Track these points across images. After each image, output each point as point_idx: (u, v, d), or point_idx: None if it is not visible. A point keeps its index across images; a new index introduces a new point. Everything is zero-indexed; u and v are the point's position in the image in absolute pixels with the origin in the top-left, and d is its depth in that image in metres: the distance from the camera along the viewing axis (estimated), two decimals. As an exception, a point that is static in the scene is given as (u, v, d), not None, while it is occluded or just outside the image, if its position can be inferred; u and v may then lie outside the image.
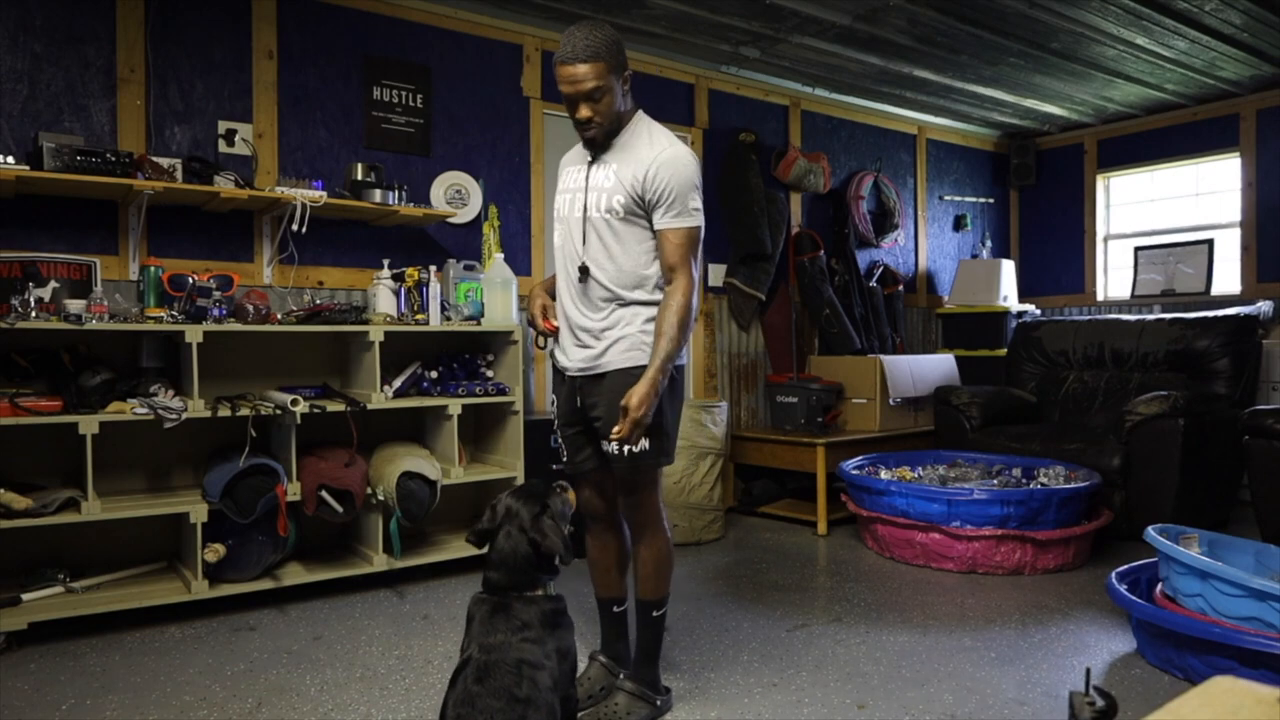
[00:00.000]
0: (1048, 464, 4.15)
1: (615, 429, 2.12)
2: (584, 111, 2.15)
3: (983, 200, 6.63)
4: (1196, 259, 5.75)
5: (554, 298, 2.42)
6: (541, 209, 4.45)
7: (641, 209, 2.19)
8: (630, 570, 2.43)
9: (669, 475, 4.19)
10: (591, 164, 2.27)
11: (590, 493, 2.41)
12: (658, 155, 2.16)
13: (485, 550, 2.01)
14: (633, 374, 2.17)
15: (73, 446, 2.97)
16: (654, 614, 2.35)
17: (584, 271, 2.24)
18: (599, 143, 2.23)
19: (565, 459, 2.41)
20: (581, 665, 2.43)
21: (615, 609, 2.48)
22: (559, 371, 2.39)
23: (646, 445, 2.20)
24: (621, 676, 2.40)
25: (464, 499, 4.10)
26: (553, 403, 2.43)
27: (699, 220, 2.20)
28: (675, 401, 2.31)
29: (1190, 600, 2.59)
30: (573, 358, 2.30)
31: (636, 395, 2.09)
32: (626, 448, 2.19)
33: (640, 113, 2.29)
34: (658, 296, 2.23)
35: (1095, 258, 6.35)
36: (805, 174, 5.30)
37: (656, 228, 2.19)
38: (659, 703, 2.35)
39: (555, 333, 2.36)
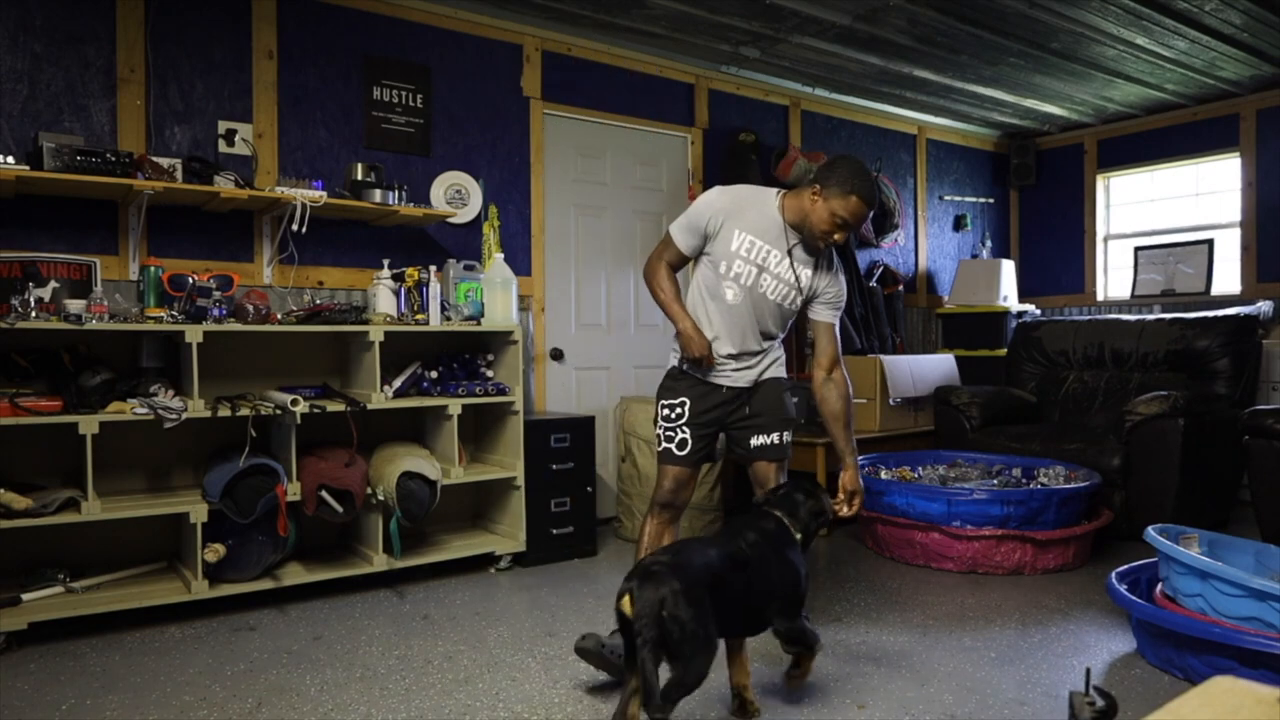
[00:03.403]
0: (1048, 464, 4.15)
1: (843, 507, 2.61)
2: (840, 237, 2.53)
3: (983, 200, 6.64)
4: (1196, 259, 5.75)
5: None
6: (541, 209, 4.45)
7: (805, 301, 2.67)
8: None
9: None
10: (788, 255, 2.59)
11: (678, 486, 2.66)
12: (838, 274, 2.68)
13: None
14: (780, 381, 2.73)
15: (73, 446, 2.97)
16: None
17: (753, 333, 2.66)
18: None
19: (687, 451, 2.65)
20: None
21: None
22: (705, 383, 2.67)
23: (789, 436, 2.72)
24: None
25: (464, 499, 4.10)
26: (680, 404, 2.67)
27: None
28: None
29: (1190, 600, 2.59)
30: (737, 378, 2.67)
31: (855, 479, 2.64)
32: (782, 436, 2.69)
33: None
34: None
35: (1095, 258, 6.35)
36: (805, 174, 5.30)
37: (819, 318, 2.70)
38: None
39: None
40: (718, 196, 2.61)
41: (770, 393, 2.70)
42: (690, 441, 2.65)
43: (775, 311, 2.66)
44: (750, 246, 2.58)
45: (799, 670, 2.39)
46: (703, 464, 2.73)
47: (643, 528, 2.71)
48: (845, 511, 2.60)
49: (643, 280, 2.77)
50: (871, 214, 2.62)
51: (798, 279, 2.61)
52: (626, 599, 1.96)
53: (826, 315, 2.69)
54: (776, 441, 2.69)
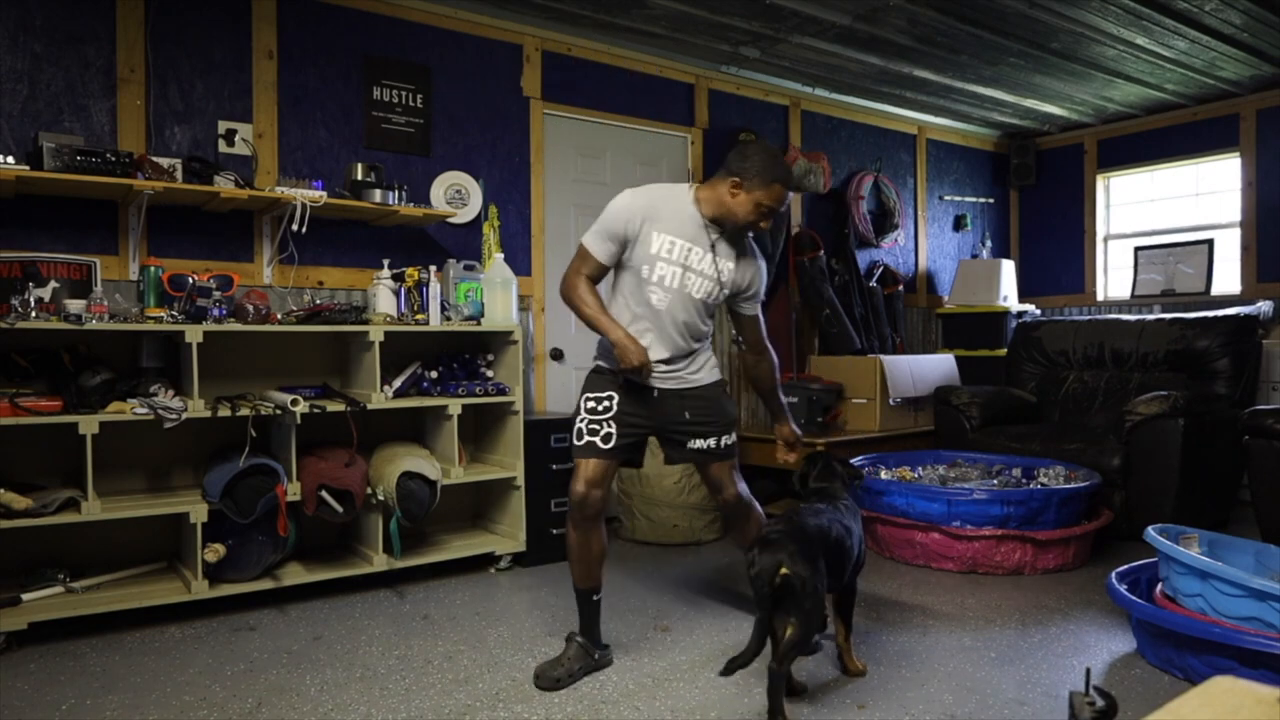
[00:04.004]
0: (1048, 464, 4.15)
1: (787, 454, 2.90)
2: (765, 224, 2.55)
3: (983, 200, 6.64)
4: (1196, 259, 5.75)
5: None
6: (541, 209, 4.45)
7: (728, 296, 2.67)
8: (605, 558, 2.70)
9: (669, 475, 4.19)
10: (711, 250, 2.56)
11: (591, 484, 2.55)
12: (758, 263, 2.69)
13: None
14: (718, 384, 2.73)
15: (73, 446, 2.97)
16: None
17: (682, 335, 2.62)
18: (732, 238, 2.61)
19: (611, 445, 2.56)
20: (555, 647, 2.76)
21: (595, 598, 2.67)
22: (636, 384, 2.58)
23: (732, 437, 2.73)
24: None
25: (464, 499, 4.10)
26: (609, 398, 2.58)
27: None
28: None
29: (1190, 600, 2.59)
30: (669, 380, 2.64)
31: (793, 430, 2.88)
32: (723, 440, 2.69)
33: None
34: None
35: (1095, 258, 6.35)
36: (805, 174, 5.30)
37: (745, 313, 2.74)
38: (597, 655, 2.65)
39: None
40: (631, 199, 2.52)
41: (708, 396, 2.68)
42: (615, 436, 2.56)
43: (701, 309, 2.61)
44: (671, 247, 2.51)
45: (849, 652, 2.62)
46: (621, 465, 2.64)
47: (568, 541, 2.63)
48: (791, 456, 2.89)
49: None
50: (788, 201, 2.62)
51: (719, 274, 2.57)
52: (752, 567, 2.24)
53: (751, 309, 2.73)
54: (715, 446, 2.69)
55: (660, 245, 2.51)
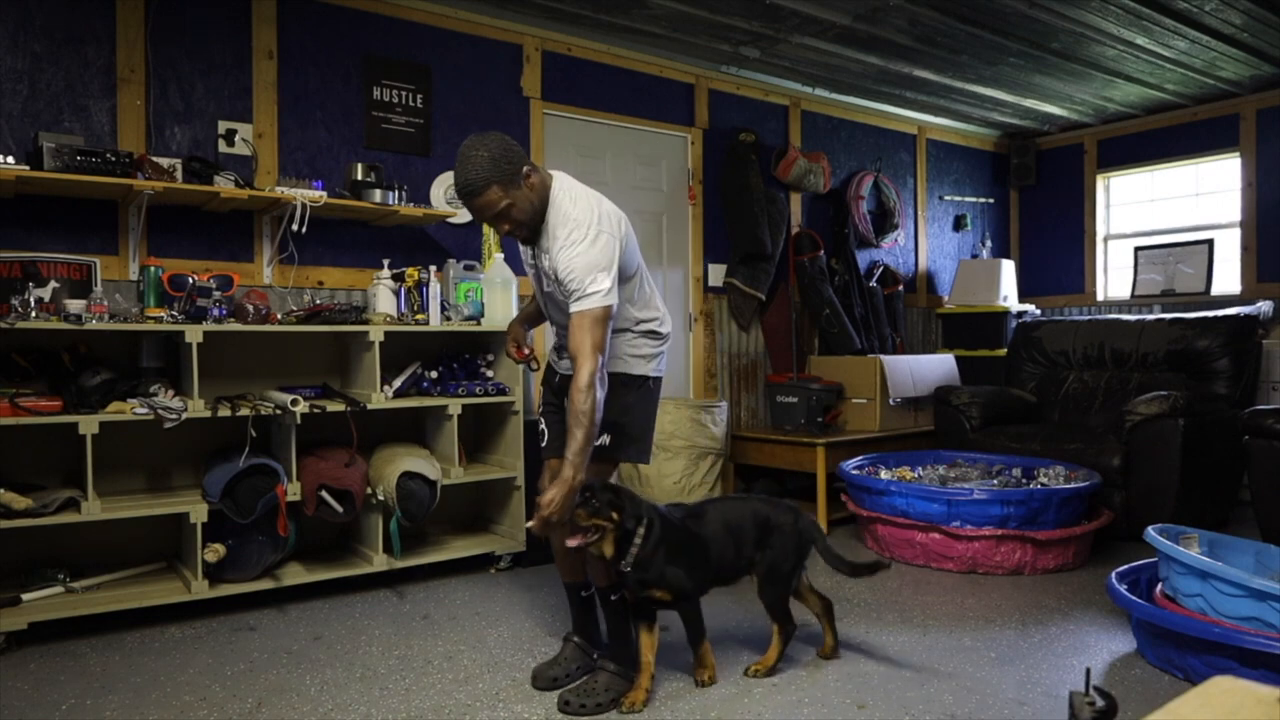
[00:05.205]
0: (1048, 464, 4.15)
1: (531, 521, 2.21)
2: (504, 227, 2.31)
3: (983, 200, 6.63)
4: (1196, 259, 5.75)
5: (526, 323, 2.79)
6: (541, 209, 4.45)
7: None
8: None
9: (669, 475, 4.19)
10: (533, 249, 2.45)
11: (551, 479, 2.56)
12: (559, 252, 2.29)
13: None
14: (613, 377, 2.41)
15: (73, 446, 2.97)
16: (611, 598, 2.51)
17: (564, 327, 2.50)
18: (531, 238, 2.38)
19: (545, 442, 2.64)
20: (556, 648, 2.75)
21: (583, 593, 2.64)
22: (549, 370, 2.70)
23: (606, 440, 2.40)
24: (600, 658, 2.54)
25: (464, 499, 4.10)
26: (541, 394, 2.73)
27: (597, 301, 2.25)
28: (647, 407, 2.53)
29: (1190, 600, 2.59)
30: (562, 366, 2.61)
31: (548, 495, 2.19)
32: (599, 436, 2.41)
33: (554, 188, 2.36)
34: (646, 314, 2.51)
35: (1095, 258, 6.35)
36: (805, 174, 5.30)
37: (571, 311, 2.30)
38: (596, 656, 2.54)
39: (529, 358, 2.73)
40: None
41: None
42: (547, 431, 2.65)
43: (561, 305, 2.42)
44: (525, 251, 2.52)
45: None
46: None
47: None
48: (533, 525, 2.21)
49: None
50: (483, 201, 2.22)
51: (547, 269, 2.40)
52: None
53: (572, 305, 2.28)
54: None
55: (521, 250, 2.56)
